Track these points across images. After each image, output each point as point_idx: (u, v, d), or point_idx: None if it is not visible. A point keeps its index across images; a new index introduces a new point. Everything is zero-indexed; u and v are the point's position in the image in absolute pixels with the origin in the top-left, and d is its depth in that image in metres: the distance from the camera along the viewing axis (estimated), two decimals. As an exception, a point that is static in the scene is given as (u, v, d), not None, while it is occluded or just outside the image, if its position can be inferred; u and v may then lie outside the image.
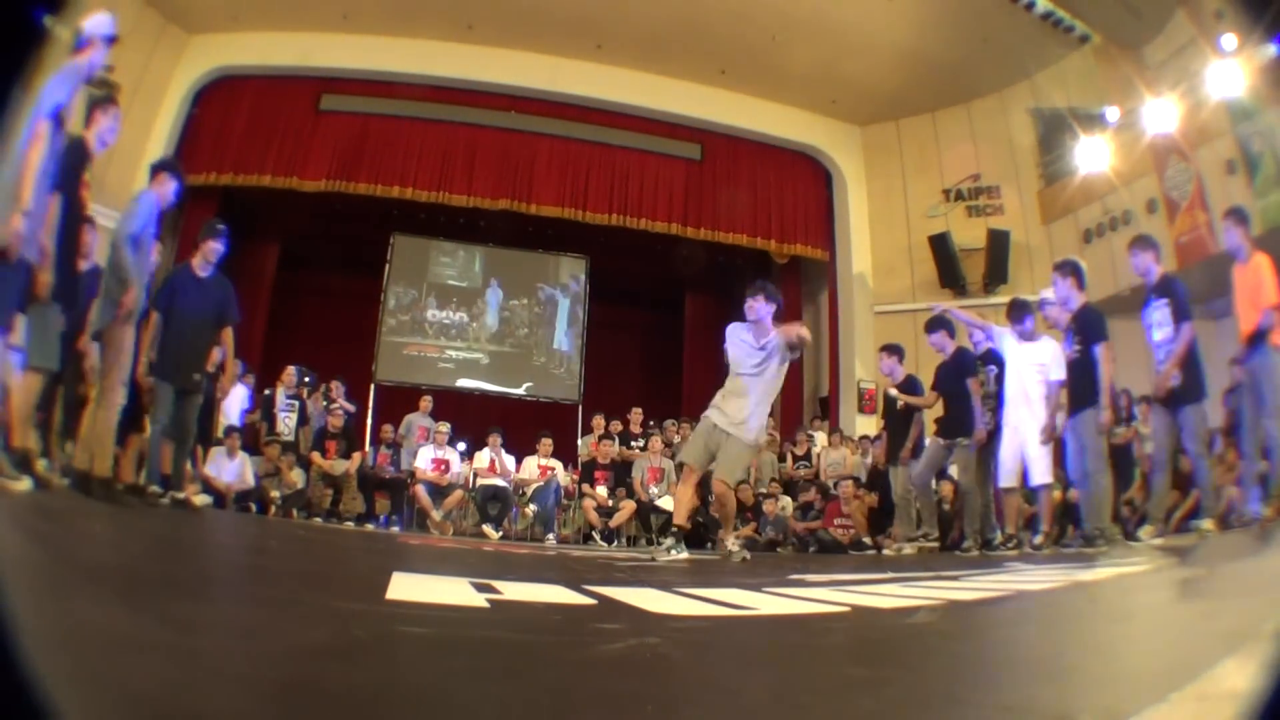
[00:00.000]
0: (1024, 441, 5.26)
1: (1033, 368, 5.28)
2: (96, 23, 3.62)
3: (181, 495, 4.68)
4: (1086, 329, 4.88)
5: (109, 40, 3.66)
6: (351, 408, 8.31)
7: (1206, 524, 4.55)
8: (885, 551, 6.13)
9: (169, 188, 4.47)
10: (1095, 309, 5.07)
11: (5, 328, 3.18)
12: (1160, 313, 4.63)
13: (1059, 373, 5.10)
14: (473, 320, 11.20)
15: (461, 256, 11.39)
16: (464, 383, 10.97)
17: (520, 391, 11.10)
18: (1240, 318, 4.53)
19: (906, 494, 6.03)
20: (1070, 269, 5.14)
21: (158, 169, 4.58)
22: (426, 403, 8.93)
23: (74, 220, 3.54)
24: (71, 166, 3.41)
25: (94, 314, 4.12)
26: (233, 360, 5.20)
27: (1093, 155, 9.17)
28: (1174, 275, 4.86)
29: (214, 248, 4.82)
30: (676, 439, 8.68)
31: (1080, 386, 4.84)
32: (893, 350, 6.35)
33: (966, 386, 5.63)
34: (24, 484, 3.19)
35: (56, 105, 3.19)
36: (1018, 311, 5.52)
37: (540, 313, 11.45)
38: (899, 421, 6.25)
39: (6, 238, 2.97)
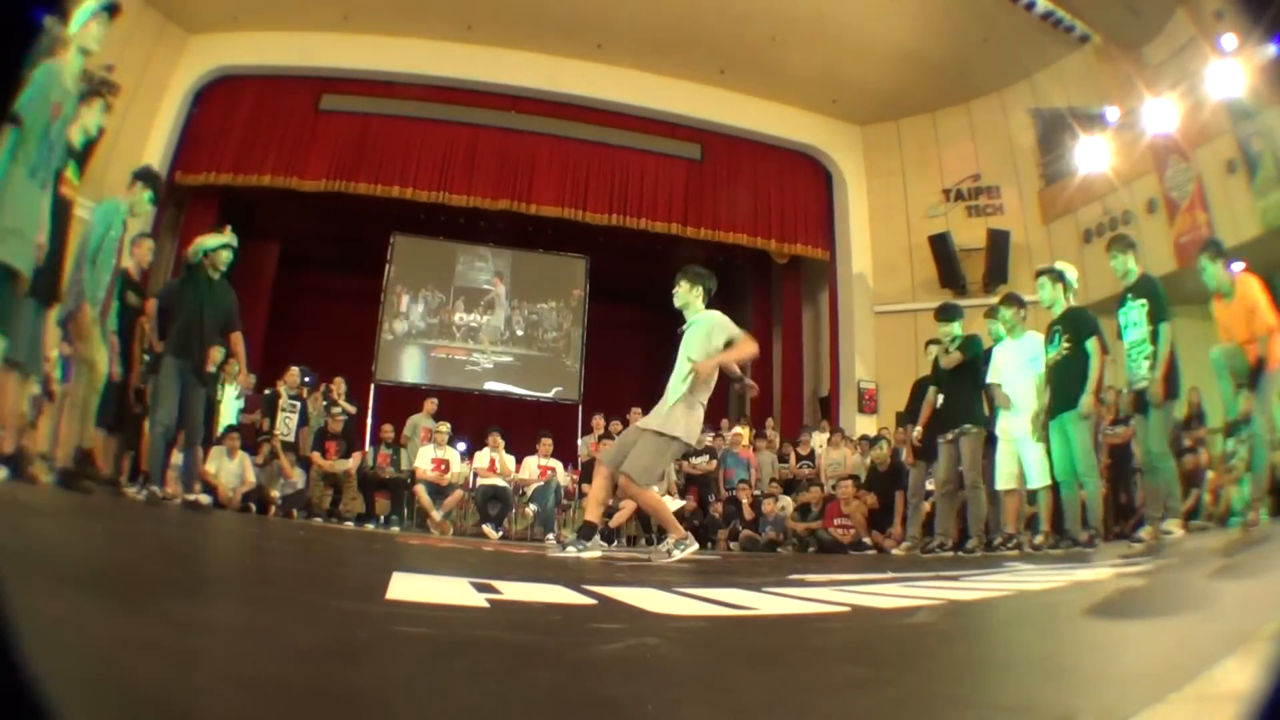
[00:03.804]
0: (1018, 443, 5.23)
1: (1021, 365, 5.25)
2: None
3: (193, 497, 4.70)
4: (1080, 325, 4.91)
5: (109, 8, 3.42)
6: (352, 408, 8.31)
7: (1171, 523, 4.45)
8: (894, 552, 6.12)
9: (223, 257, 4.86)
10: (1082, 308, 5.13)
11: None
12: (1138, 312, 4.65)
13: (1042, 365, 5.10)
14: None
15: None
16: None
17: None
18: (1240, 334, 4.44)
19: (918, 494, 6.03)
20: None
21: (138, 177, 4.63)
22: (431, 404, 8.93)
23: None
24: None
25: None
26: (246, 368, 5.57)
27: (1093, 155, 9.17)
28: (1152, 276, 4.87)
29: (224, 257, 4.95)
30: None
31: (1068, 385, 4.82)
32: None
33: (981, 377, 5.51)
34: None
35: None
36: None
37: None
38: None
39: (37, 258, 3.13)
